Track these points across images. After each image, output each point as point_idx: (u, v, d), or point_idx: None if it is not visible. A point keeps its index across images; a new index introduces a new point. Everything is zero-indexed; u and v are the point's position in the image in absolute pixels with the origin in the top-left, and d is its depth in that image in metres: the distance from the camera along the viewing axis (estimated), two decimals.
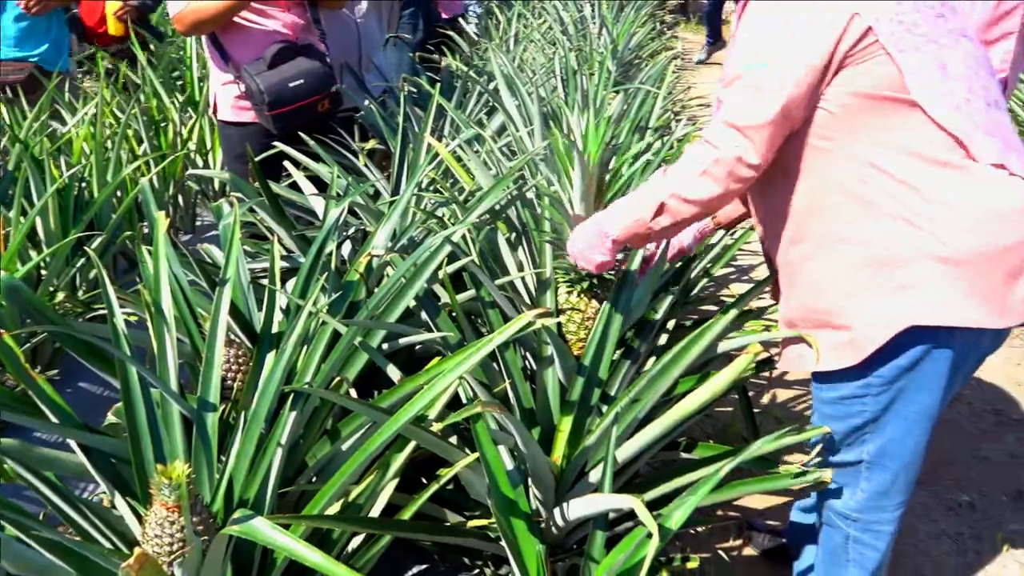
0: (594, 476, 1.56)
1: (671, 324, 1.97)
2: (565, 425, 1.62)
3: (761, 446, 1.38)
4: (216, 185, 3.57)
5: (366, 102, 3.02)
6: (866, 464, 1.40)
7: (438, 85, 2.57)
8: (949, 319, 1.23)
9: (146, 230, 2.90)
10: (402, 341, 1.56)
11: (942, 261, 1.22)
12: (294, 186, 2.41)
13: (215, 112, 2.66)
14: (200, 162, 3.58)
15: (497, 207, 1.90)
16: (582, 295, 1.74)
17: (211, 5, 2.43)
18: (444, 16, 4.87)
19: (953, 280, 1.22)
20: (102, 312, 2.07)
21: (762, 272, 2.11)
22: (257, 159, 2.33)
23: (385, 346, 1.59)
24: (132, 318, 1.76)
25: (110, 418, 1.58)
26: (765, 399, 2.61)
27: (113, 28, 4.39)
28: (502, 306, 1.67)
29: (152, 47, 4.36)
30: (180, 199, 3.39)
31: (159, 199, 3.23)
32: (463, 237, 1.82)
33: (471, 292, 1.74)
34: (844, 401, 1.37)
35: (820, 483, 1.46)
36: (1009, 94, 2.18)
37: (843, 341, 1.30)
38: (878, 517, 1.47)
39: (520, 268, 1.85)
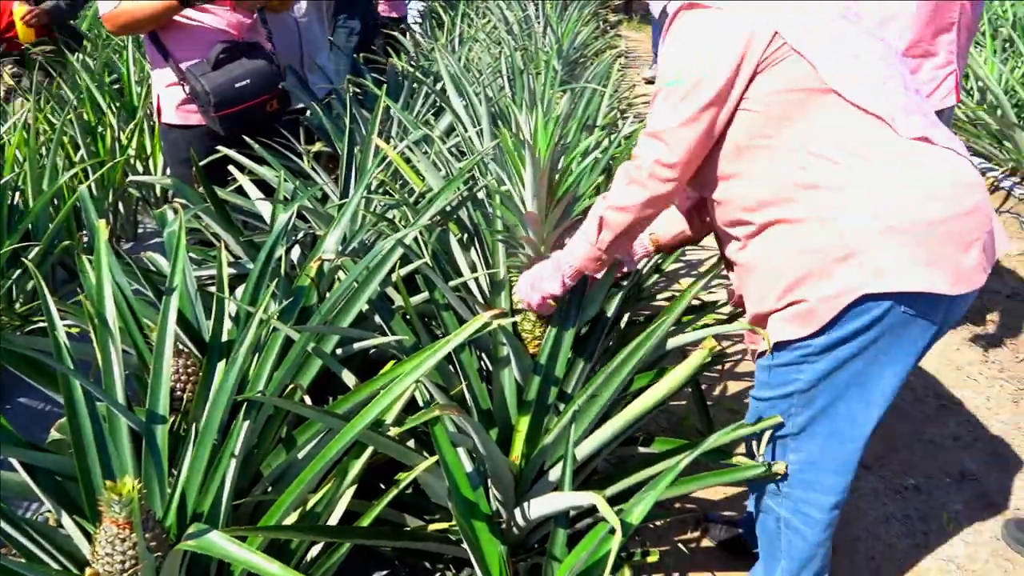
0: (553, 475, 1.56)
1: (624, 321, 1.99)
2: (523, 425, 1.62)
3: (717, 439, 1.40)
4: (158, 191, 3.48)
5: (311, 103, 2.98)
6: (792, 435, 1.44)
7: (384, 86, 2.54)
8: (896, 285, 1.26)
9: (86, 239, 2.82)
10: (356, 346, 1.54)
11: (885, 232, 1.27)
12: (240, 190, 2.36)
13: (159, 115, 2.59)
14: (140, 168, 3.49)
15: (448, 208, 1.89)
16: None
17: (146, 5, 2.37)
18: (389, 16, 4.84)
19: (898, 248, 1.26)
20: (41, 325, 2.00)
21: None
22: (202, 163, 2.28)
23: (339, 351, 1.57)
24: (74, 330, 1.70)
25: (53, 434, 1.53)
26: (718, 391, 2.65)
27: (23, 34, 4.22)
28: (456, 308, 1.66)
29: (87, 48, 4.23)
30: (120, 206, 3.30)
31: (99, 207, 3.13)
32: (415, 239, 1.81)
33: (424, 295, 1.72)
34: (782, 368, 1.41)
35: (774, 474, 1.49)
36: (958, 89, 2.25)
37: (799, 312, 1.34)
38: (808, 496, 1.50)
39: (473, 269, 1.84)
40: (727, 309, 2.07)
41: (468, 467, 1.47)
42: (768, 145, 1.35)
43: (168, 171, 2.72)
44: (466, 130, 2.42)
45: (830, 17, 1.35)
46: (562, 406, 1.67)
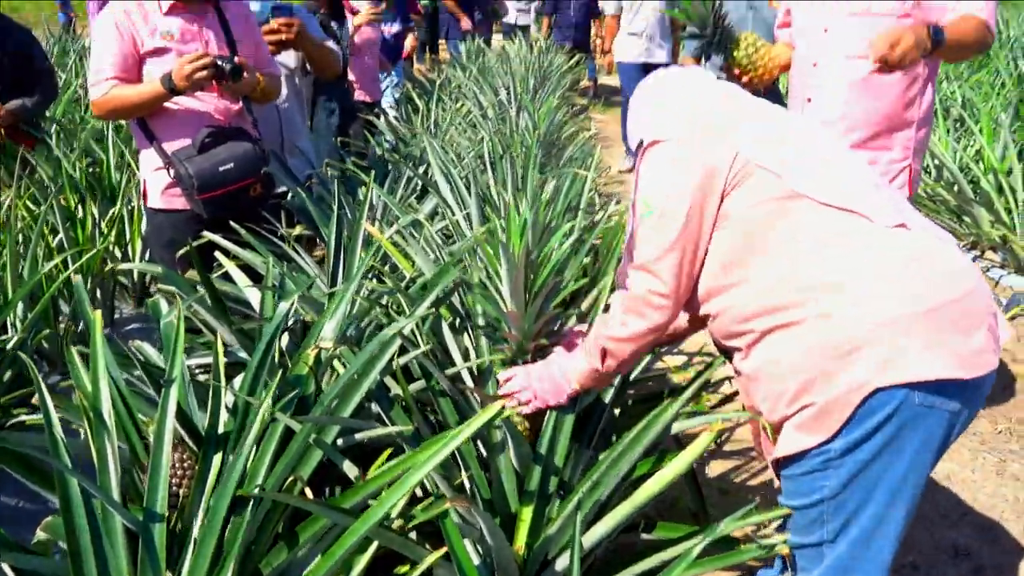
0: (560, 564, 1.54)
1: (618, 406, 1.99)
2: (526, 514, 1.59)
3: (728, 525, 1.39)
4: (135, 276, 3.45)
5: (293, 187, 3.01)
6: (828, 542, 1.42)
7: (372, 172, 2.58)
8: (905, 375, 1.25)
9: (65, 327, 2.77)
10: (358, 436, 1.53)
11: (886, 323, 1.27)
12: (226, 275, 2.36)
13: (144, 199, 2.60)
14: (119, 254, 3.47)
15: (441, 294, 1.90)
16: None
17: (136, 92, 2.40)
18: (363, 100, 4.92)
19: (901, 337, 1.26)
20: (23, 419, 1.94)
21: (694, 342, 2.16)
22: (183, 249, 2.28)
23: (340, 441, 1.55)
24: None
25: (40, 535, 1.47)
26: (708, 471, 2.64)
27: None
28: (452, 396, 1.66)
29: (60, 134, 4.21)
30: (99, 293, 3.26)
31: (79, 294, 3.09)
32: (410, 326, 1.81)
33: (420, 383, 1.72)
34: (807, 477, 1.38)
35: (778, 553, 1.48)
36: (911, 183, 2.32)
37: (812, 415, 1.32)
38: None
39: (465, 354, 1.84)
40: (726, 388, 2.08)
41: (475, 559, 1.44)
42: (754, 257, 1.39)
43: (149, 255, 2.72)
44: (454, 214, 2.45)
45: (778, 124, 1.43)
46: (561, 493, 1.65)
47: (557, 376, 1.63)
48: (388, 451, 1.72)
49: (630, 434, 1.52)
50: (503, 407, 1.31)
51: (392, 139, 4.31)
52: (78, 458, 1.43)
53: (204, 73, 2.34)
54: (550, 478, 1.64)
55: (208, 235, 2.42)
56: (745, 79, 2.26)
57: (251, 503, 1.35)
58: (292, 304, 1.67)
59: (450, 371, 1.68)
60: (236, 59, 2.45)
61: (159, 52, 2.46)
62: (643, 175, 1.48)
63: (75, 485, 1.30)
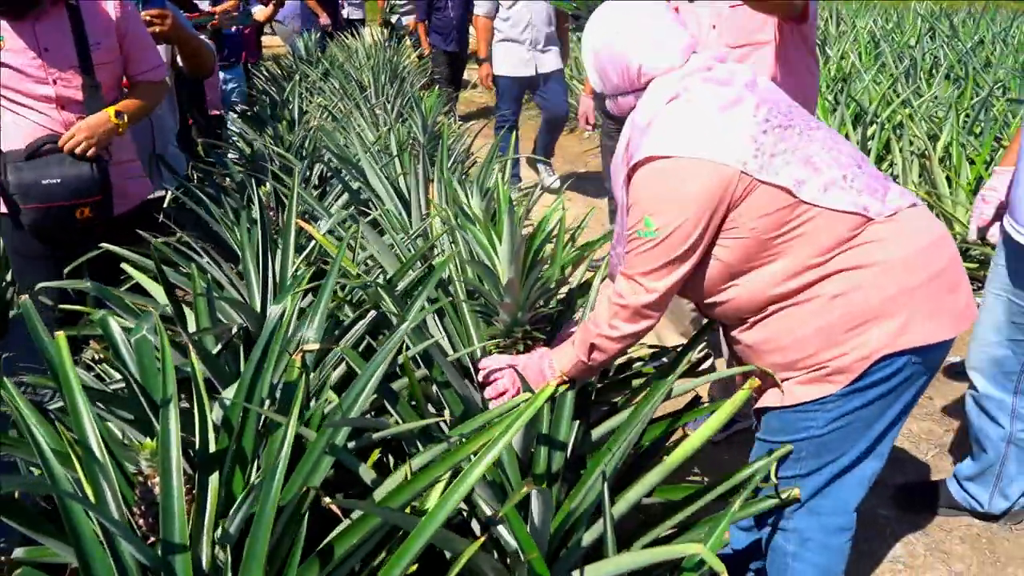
0: (587, 538, 1.53)
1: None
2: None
3: (742, 475, 1.46)
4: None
5: (168, 193, 2.81)
6: (799, 476, 1.54)
7: (296, 170, 2.44)
8: (915, 341, 1.40)
9: None
10: (376, 436, 1.45)
11: (894, 297, 1.40)
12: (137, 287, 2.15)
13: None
14: None
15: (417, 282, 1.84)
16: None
17: None
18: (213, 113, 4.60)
19: (913, 305, 1.40)
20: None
21: None
22: (73, 264, 2.16)
23: (351, 444, 1.46)
24: None
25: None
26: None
27: None
28: (456, 385, 1.61)
29: None
30: None
31: None
32: (389, 315, 1.73)
33: (422, 371, 1.66)
34: (796, 415, 1.49)
35: (793, 499, 1.56)
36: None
37: (822, 374, 1.44)
38: (808, 524, 1.60)
39: (449, 338, 1.79)
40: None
41: (512, 543, 1.40)
42: (765, 256, 1.45)
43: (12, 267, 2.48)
44: (383, 204, 2.37)
45: (777, 135, 1.43)
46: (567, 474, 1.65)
47: (542, 366, 1.63)
48: (377, 451, 1.66)
49: (639, 399, 1.55)
50: (557, 386, 1.29)
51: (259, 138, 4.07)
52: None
53: None
54: (553, 456, 1.63)
55: (106, 246, 2.21)
56: None
57: (275, 519, 1.24)
58: (285, 307, 1.55)
59: (451, 356, 1.62)
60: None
61: None
62: (642, 191, 1.46)
63: (88, 526, 1.15)
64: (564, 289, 1.97)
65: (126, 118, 2.38)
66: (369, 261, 2.23)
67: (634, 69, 1.51)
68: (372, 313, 1.77)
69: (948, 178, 4.12)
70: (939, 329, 1.42)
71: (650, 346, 2.05)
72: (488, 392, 1.65)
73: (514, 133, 4.31)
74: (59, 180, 2.29)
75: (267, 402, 1.43)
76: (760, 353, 1.52)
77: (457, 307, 1.77)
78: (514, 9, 5.16)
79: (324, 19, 8.55)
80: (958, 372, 3.24)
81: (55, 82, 2.28)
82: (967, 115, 4.81)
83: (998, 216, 2.13)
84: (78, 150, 2.28)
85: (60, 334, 1.37)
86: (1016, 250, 2.04)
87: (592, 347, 1.57)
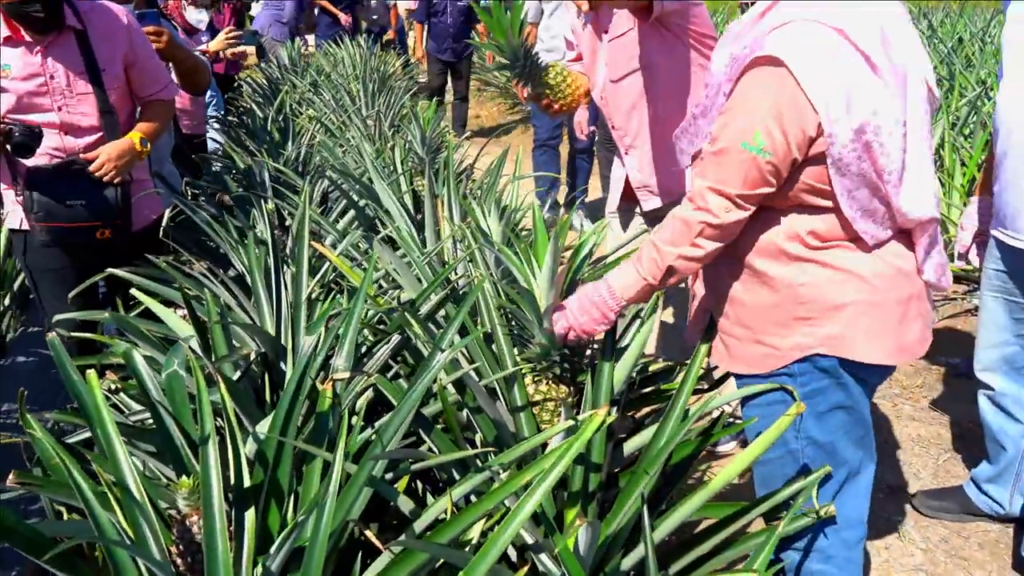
0: (626, 563, 1.52)
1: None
2: (569, 518, 1.56)
3: (783, 496, 1.46)
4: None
5: (168, 211, 2.78)
6: (800, 450, 1.57)
7: (305, 181, 2.41)
8: (847, 352, 1.46)
9: None
10: (415, 467, 1.42)
11: (843, 307, 1.45)
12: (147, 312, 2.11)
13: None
14: None
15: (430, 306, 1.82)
16: (551, 383, 1.71)
17: None
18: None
19: (857, 322, 1.45)
20: None
21: None
22: (78, 288, 2.18)
23: (388, 476, 1.44)
24: None
25: None
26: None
27: None
28: (488, 411, 1.59)
29: None
30: None
31: None
32: (415, 339, 1.71)
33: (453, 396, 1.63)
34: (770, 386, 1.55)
35: (829, 515, 1.56)
36: None
37: (766, 352, 1.53)
38: (830, 540, 1.61)
39: (473, 359, 1.77)
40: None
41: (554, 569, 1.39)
42: (772, 209, 1.45)
43: (34, 288, 2.45)
44: (394, 221, 2.34)
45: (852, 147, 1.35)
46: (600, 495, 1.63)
47: (601, 299, 1.56)
48: (406, 477, 1.64)
49: (667, 415, 1.55)
50: (605, 417, 1.27)
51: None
52: None
53: None
54: (589, 476, 1.61)
55: (114, 271, 2.18)
56: (556, 106, 2.33)
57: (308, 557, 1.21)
58: (319, 339, 1.52)
59: (484, 381, 1.60)
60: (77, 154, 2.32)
61: None
62: (747, 97, 1.35)
63: (131, 569, 1.12)
64: None
65: (149, 145, 2.42)
66: (383, 281, 2.20)
67: None
68: (396, 338, 1.75)
69: (941, 180, 4.16)
70: (875, 351, 1.46)
71: (670, 361, 2.05)
72: (558, 331, 1.61)
73: (553, 156, 4.08)
74: (83, 202, 2.32)
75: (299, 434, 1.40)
76: (727, 307, 1.58)
77: (490, 331, 1.75)
78: (554, 17, 4.58)
79: (346, 19, 8.43)
80: (960, 374, 3.27)
81: (60, 108, 2.27)
82: (956, 116, 4.86)
83: (979, 239, 2.24)
84: (106, 177, 2.31)
85: (92, 374, 1.34)
86: (1005, 251, 2.11)
87: (669, 269, 1.49)
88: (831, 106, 1.29)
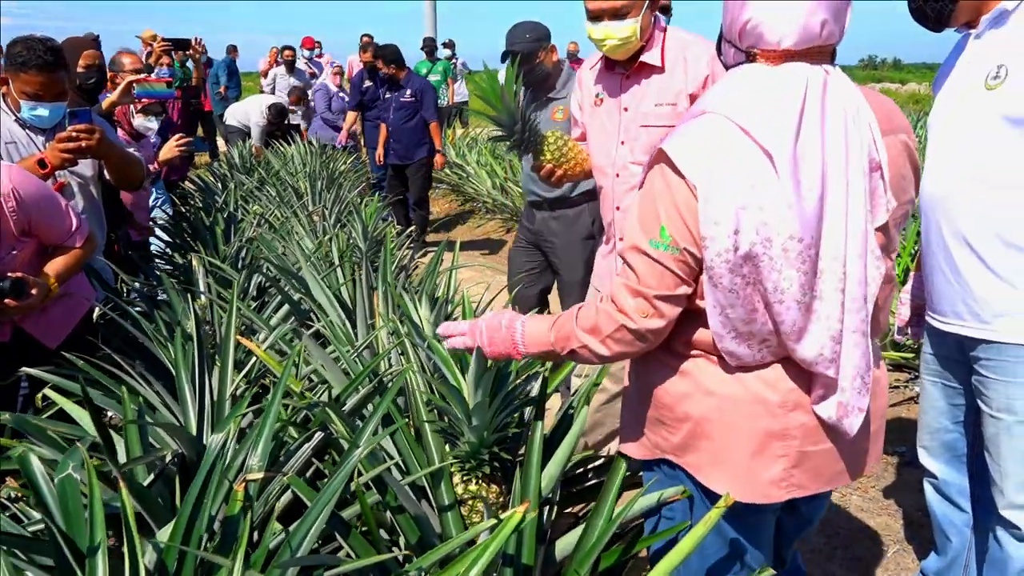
0: None
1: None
2: None
3: None
4: None
5: (97, 310, 2.70)
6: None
7: (236, 284, 2.35)
8: (692, 470, 1.44)
9: None
10: (328, 574, 1.33)
11: (689, 419, 1.41)
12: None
13: None
14: None
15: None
16: (480, 482, 1.64)
17: None
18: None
19: (696, 438, 1.41)
20: None
21: None
22: None
23: None
24: None
25: None
26: None
27: None
28: (410, 509, 1.51)
29: None
30: None
31: None
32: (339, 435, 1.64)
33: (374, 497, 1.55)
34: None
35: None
36: None
37: (643, 441, 1.53)
38: None
39: (400, 453, 1.70)
40: None
41: None
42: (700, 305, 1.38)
43: None
44: (326, 315, 2.29)
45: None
46: None
47: (510, 337, 1.48)
48: None
49: (594, 516, 1.48)
50: (525, 515, 1.20)
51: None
52: None
53: None
54: None
55: (27, 370, 2.09)
56: (560, 172, 2.25)
57: None
58: (228, 433, 1.44)
59: (406, 480, 1.53)
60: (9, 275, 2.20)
61: None
62: (651, 199, 1.31)
63: None
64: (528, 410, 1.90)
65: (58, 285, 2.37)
66: (313, 376, 2.13)
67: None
68: (319, 435, 1.67)
69: None
70: (717, 479, 1.40)
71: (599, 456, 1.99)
72: (441, 330, 1.54)
73: None
74: None
75: (205, 540, 1.31)
76: (639, 396, 1.53)
77: (416, 426, 1.68)
78: None
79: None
80: (908, 463, 3.25)
81: None
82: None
83: (916, 315, 2.23)
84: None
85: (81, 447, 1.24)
86: (933, 335, 2.11)
87: (573, 351, 1.42)
88: (711, 204, 1.23)
